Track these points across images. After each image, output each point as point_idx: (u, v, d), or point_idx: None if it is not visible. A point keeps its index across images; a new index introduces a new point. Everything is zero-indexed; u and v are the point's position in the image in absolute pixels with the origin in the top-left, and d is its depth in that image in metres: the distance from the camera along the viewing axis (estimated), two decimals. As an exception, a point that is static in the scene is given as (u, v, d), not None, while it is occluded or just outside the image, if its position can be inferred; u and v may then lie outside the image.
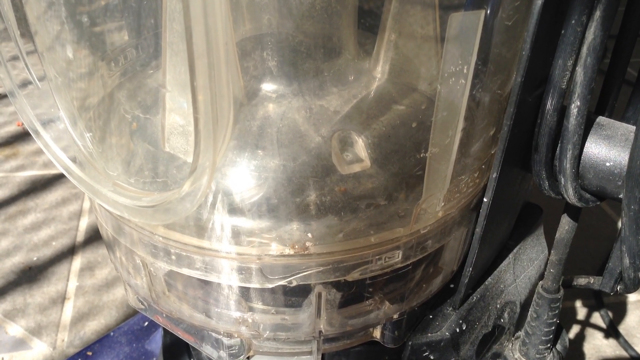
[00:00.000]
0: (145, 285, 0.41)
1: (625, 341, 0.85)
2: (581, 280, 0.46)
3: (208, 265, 0.36)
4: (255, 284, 0.36)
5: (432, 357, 0.44)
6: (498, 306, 0.47)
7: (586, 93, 0.34)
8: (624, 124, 0.37)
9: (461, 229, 0.41)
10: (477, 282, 0.46)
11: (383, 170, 0.36)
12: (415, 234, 0.37)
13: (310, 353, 0.42)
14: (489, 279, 0.47)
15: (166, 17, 0.32)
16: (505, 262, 0.48)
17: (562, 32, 0.33)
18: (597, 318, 0.90)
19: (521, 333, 0.49)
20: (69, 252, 0.97)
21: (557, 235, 0.43)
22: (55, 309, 0.88)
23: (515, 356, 0.49)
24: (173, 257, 0.36)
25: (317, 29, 0.36)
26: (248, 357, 0.42)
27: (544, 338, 0.47)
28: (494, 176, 0.37)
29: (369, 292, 0.39)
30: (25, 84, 0.37)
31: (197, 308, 0.40)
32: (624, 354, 0.85)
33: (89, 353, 0.66)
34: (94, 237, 1.00)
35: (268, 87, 0.37)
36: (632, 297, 0.93)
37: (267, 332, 0.39)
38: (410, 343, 0.43)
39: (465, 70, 0.32)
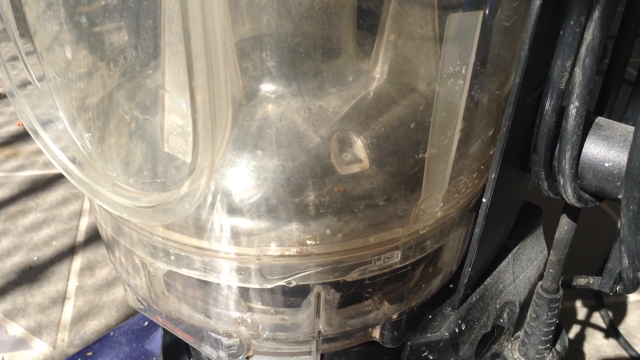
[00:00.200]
0: (145, 286, 0.41)
1: (626, 341, 0.85)
2: (581, 281, 0.46)
3: (207, 266, 0.36)
4: (254, 284, 0.36)
5: (431, 357, 0.44)
6: (497, 306, 0.47)
7: (585, 94, 0.34)
8: (623, 125, 0.37)
9: (460, 230, 0.41)
10: (477, 283, 0.46)
11: (382, 171, 0.36)
12: (414, 235, 0.37)
13: (309, 353, 0.42)
14: (488, 279, 0.47)
15: (165, 17, 0.32)
16: (504, 262, 0.48)
17: (561, 32, 0.33)
18: (597, 318, 0.90)
19: (520, 333, 0.49)
20: (69, 251, 0.97)
21: (556, 236, 0.43)
22: (55, 309, 0.88)
23: (515, 356, 0.49)
24: (172, 257, 0.36)
25: (316, 30, 0.36)
26: (247, 357, 0.42)
27: (543, 338, 0.47)
28: (492, 177, 0.37)
29: (368, 292, 0.39)
30: (24, 84, 0.37)
31: (196, 308, 0.40)
32: (624, 354, 0.85)
33: (89, 353, 0.66)
34: (94, 237, 1.00)
35: (267, 87, 0.37)
36: (632, 297, 0.93)
37: (267, 332, 0.39)
38: (409, 343, 0.43)
39: (463, 71, 0.32)
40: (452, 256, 0.43)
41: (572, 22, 0.32)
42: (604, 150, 0.36)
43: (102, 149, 0.38)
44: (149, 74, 0.41)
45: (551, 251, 0.44)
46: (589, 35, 0.33)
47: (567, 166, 0.36)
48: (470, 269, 0.42)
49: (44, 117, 0.37)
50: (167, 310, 0.41)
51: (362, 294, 0.39)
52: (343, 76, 0.38)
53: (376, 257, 0.36)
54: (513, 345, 0.50)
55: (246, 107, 0.36)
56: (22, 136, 1.25)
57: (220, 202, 0.35)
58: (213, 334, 0.41)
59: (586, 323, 0.89)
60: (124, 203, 0.34)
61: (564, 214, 0.42)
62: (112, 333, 0.68)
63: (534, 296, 0.46)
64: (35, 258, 0.96)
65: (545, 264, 0.45)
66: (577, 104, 0.34)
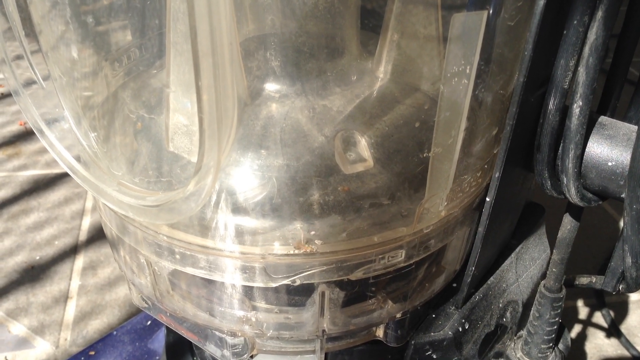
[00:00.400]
0: (150, 284, 0.41)
1: (627, 340, 0.85)
2: (583, 280, 0.46)
3: (212, 265, 0.36)
4: (259, 283, 0.36)
5: (434, 356, 0.44)
6: (500, 305, 0.47)
7: (588, 93, 0.34)
8: (626, 124, 0.37)
9: (464, 229, 0.41)
10: (480, 282, 0.46)
11: (386, 170, 0.36)
12: (418, 234, 0.37)
13: (313, 352, 0.42)
14: (492, 278, 0.47)
15: (170, 17, 0.32)
16: (507, 262, 0.48)
17: (564, 32, 0.33)
18: (598, 317, 0.90)
19: (523, 332, 0.49)
20: (72, 251, 0.98)
21: (559, 235, 0.43)
22: (58, 308, 0.88)
23: (518, 355, 0.49)
24: (177, 256, 0.37)
25: (320, 29, 0.37)
26: (251, 356, 0.42)
27: (546, 337, 0.47)
28: (496, 176, 0.37)
29: (372, 291, 0.39)
30: (29, 83, 0.37)
31: (200, 307, 0.40)
32: (625, 353, 0.85)
33: (92, 352, 0.66)
34: (96, 236, 1.00)
35: (271, 87, 0.37)
36: (633, 297, 0.94)
37: (271, 331, 0.39)
38: (413, 342, 0.44)
39: (468, 71, 0.32)
40: (456, 255, 0.43)
41: (575, 22, 0.32)
42: (607, 149, 0.36)
43: (107, 148, 0.38)
44: (154, 74, 0.41)
45: (554, 250, 0.44)
46: (592, 35, 0.33)
47: (570, 165, 0.36)
48: (473, 268, 0.42)
49: (49, 116, 0.38)
50: (172, 309, 0.41)
51: (366, 293, 0.39)
52: (347, 76, 0.38)
53: (380, 256, 0.37)
54: (516, 344, 0.50)
55: (250, 106, 0.36)
56: (24, 136, 1.26)
57: (225, 201, 0.35)
58: (217, 333, 0.41)
59: (587, 322, 0.90)
60: (130, 202, 0.34)
61: (567, 213, 0.42)
62: (115, 332, 0.68)
63: (537, 295, 0.46)
64: (37, 257, 0.96)
65: (548, 263, 0.45)
66: (581, 103, 0.34)
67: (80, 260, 0.96)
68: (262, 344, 0.42)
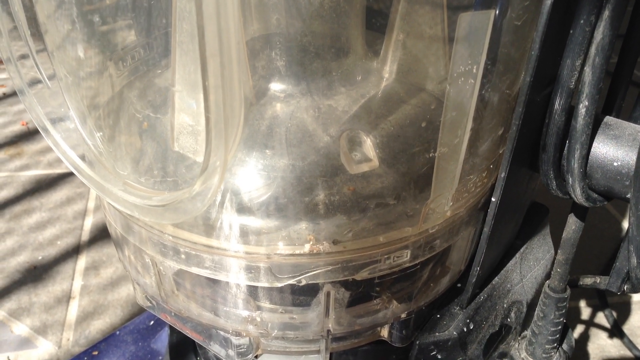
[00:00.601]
0: (154, 284, 0.41)
1: (630, 341, 0.85)
2: (587, 280, 0.46)
3: (217, 264, 0.36)
4: (264, 283, 0.36)
5: (439, 357, 0.44)
6: (505, 306, 0.47)
7: (594, 93, 0.34)
8: (632, 124, 0.37)
9: (469, 229, 0.41)
10: (484, 282, 0.46)
11: (391, 170, 0.36)
12: (423, 234, 0.37)
13: (318, 352, 0.42)
14: (496, 279, 0.47)
15: (176, 16, 0.32)
16: (512, 262, 0.48)
17: (571, 31, 0.33)
18: (601, 318, 0.90)
19: (528, 332, 0.49)
20: (74, 251, 0.98)
21: (564, 235, 0.43)
22: (60, 308, 0.88)
23: (522, 356, 0.49)
24: (182, 256, 0.37)
25: (326, 29, 0.37)
26: (256, 356, 0.42)
27: (550, 337, 0.47)
28: (502, 176, 0.37)
29: (377, 291, 0.39)
30: (34, 82, 0.37)
31: (205, 307, 0.40)
32: (628, 353, 0.85)
33: (95, 352, 0.66)
34: (98, 236, 1.00)
35: (276, 86, 0.37)
36: (636, 297, 0.93)
37: (276, 331, 0.39)
38: (417, 342, 0.44)
39: (474, 70, 0.32)
40: (461, 255, 0.43)
41: (582, 22, 0.32)
42: (613, 149, 0.36)
43: (112, 147, 0.38)
44: (159, 73, 0.41)
45: (559, 250, 0.44)
46: (598, 35, 0.33)
47: (576, 165, 0.36)
48: (478, 268, 0.42)
49: (54, 115, 0.38)
50: (177, 308, 0.41)
51: (371, 293, 0.39)
52: (352, 75, 0.38)
53: (386, 256, 0.36)
54: (520, 344, 0.50)
55: (256, 106, 0.36)
56: (26, 136, 1.26)
57: (230, 200, 0.35)
58: (222, 333, 0.41)
59: (590, 323, 0.89)
60: (135, 202, 0.34)
61: (572, 214, 0.42)
62: (118, 332, 0.68)
63: (542, 295, 0.46)
64: (40, 257, 0.96)
65: (552, 263, 0.45)
66: (587, 103, 0.34)
67: (82, 260, 0.96)
68: (267, 344, 0.42)
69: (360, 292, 0.39)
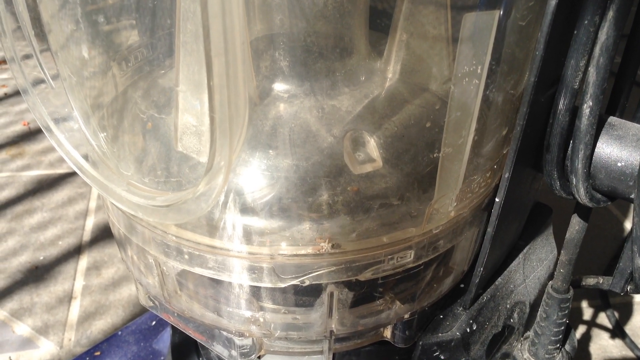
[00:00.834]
0: (157, 284, 0.41)
1: (632, 341, 0.85)
2: (590, 281, 0.46)
3: (220, 265, 0.36)
4: (267, 284, 0.36)
5: (442, 357, 0.44)
6: (508, 306, 0.47)
7: (598, 93, 0.34)
8: (636, 124, 0.37)
9: (472, 229, 0.41)
10: (488, 282, 0.46)
11: (395, 170, 0.36)
12: (427, 234, 0.37)
13: (321, 352, 0.42)
14: (499, 279, 0.47)
15: (180, 16, 0.32)
16: (515, 262, 0.48)
17: (575, 32, 0.33)
18: (603, 318, 0.90)
19: (530, 333, 0.49)
20: (76, 251, 0.98)
21: (567, 236, 0.43)
22: (62, 308, 0.88)
23: (525, 356, 0.49)
24: (186, 256, 0.37)
25: (329, 29, 0.37)
26: (259, 357, 0.42)
27: (553, 338, 0.47)
28: (506, 176, 0.37)
29: (380, 291, 0.39)
30: (37, 82, 0.37)
31: (208, 307, 0.40)
32: (630, 354, 0.85)
33: (97, 352, 0.66)
34: (100, 236, 1.01)
35: (280, 87, 0.37)
36: (638, 298, 0.94)
37: (279, 331, 0.39)
38: (420, 343, 0.44)
39: (479, 71, 0.32)
40: (464, 256, 0.43)
41: (586, 22, 0.32)
42: (617, 149, 0.36)
43: (116, 147, 0.38)
44: (162, 73, 0.41)
45: (562, 251, 0.44)
46: (603, 35, 0.33)
47: (579, 166, 0.36)
48: (482, 269, 0.42)
49: (57, 115, 0.38)
50: (180, 309, 0.41)
51: (374, 294, 0.39)
52: (355, 76, 0.38)
53: (389, 257, 0.36)
54: (523, 345, 0.50)
55: (260, 106, 0.36)
56: (27, 136, 1.26)
57: (233, 201, 0.35)
58: (225, 333, 0.41)
59: (592, 323, 0.90)
60: (139, 202, 0.34)
61: (575, 214, 0.42)
62: (119, 332, 0.68)
63: (544, 296, 0.46)
64: (41, 258, 0.96)
65: (555, 263, 0.45)
66: (591, 103, 0.34)
67: (84, 261, 0.96)
68: (270, 345, 0.42)
69: (363, 293, 0.39)
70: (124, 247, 0.42)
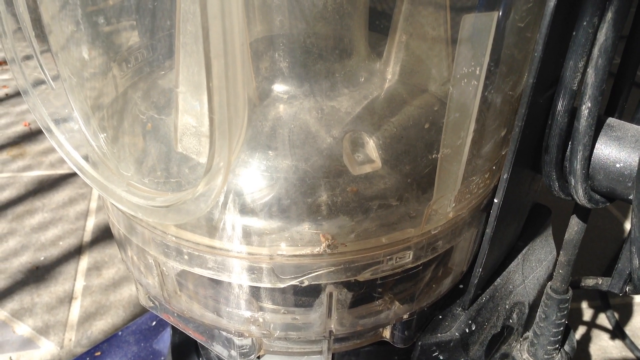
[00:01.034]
0: (157, 284, 0.41)
1: (631, 342, 0.85)
2: (589, 281, 0.46)
3: (220, 265, 0.36)
4: (267, 284, 0.36)
5: (441, 358, 0.44)
6: (507, 307, 0.47)
7: (597, 94, 0.34)
8: (634, 126, 0.37)
9: (471, 230, 0.41)
10: (487, 283, 0.46)
11: (394, 171, 0.36)
12: (426, 235, 0.37)
13: (320, 352, 0.42)
14: (498, 280, 0.47)
15: (179, 18, 0.32)
16: (514, 263, 0.48)
17: (574, 33, 0.33)
18: (603, 319, 0.90)
19: (529, 334, 0.49)
20: (76, 251, 0.98)
21: (566, 236, 0.43)
22: (62, 309, 0.88)
23: (524, 357, 0.49)
24: (185, 256, 0.37)
25: (329, 31, 0.37)
26: (258, 357, 0.42)
27: (552, 339, 0.47)
28: (504, 177, 0.37)
29: (379, 292, 0.39)
30: (38, 83, 0.37)
31: (208, 307, 0.40)
32: (630, 355, 0.85)
33: (98, 353, 0.66)
34: (100, 237, 1.01)
35: (279, 88, 0.37)
36: (637, 299, 0.93)
37: (278, 331, 0.40)
38: (419, 343, 0.44)
39: (477, 72, 0.32)
40: (463, 256, 0.43)
41: (585, 23, 0.32)
42: (616, 151, 0.36)
43: (116, 148, 0.38)
44: (162, 74, 0.41)
45: (561, 252, 0.44)
46: (601, 36, 0.33)
47: (578, 167, 0.36)
48: (480, 270, 0.42)
49: (57, 116, 0.38)
50: (180, 309, 0.41)
51: (373, 294, 0.39)
52: (355, 77, 0.38)
53: (388, 257, 0.37)
54: (522, 345, 0.50)
55: (259, 107, 0.36)
56: (28, 136, 1.26)
57: (233, 201, 0.35)
58: (224, 333, 0.41)
59: (592, 324, 0.90)
60: (139, 202, 0.34)
61: (574, 215, 0.42)
62: (120, 333, 0.68)
63: (543, 297, 0.46)
64: (42, 258, 0.96)
65: (554, 264, 0.45)
66: (589, 104, 0.34)
67: (84, 261, 0.96)
68: (270, 345, 0.42)
69: (362, 293, 0.39)
70: (124, 247, 0.42)
